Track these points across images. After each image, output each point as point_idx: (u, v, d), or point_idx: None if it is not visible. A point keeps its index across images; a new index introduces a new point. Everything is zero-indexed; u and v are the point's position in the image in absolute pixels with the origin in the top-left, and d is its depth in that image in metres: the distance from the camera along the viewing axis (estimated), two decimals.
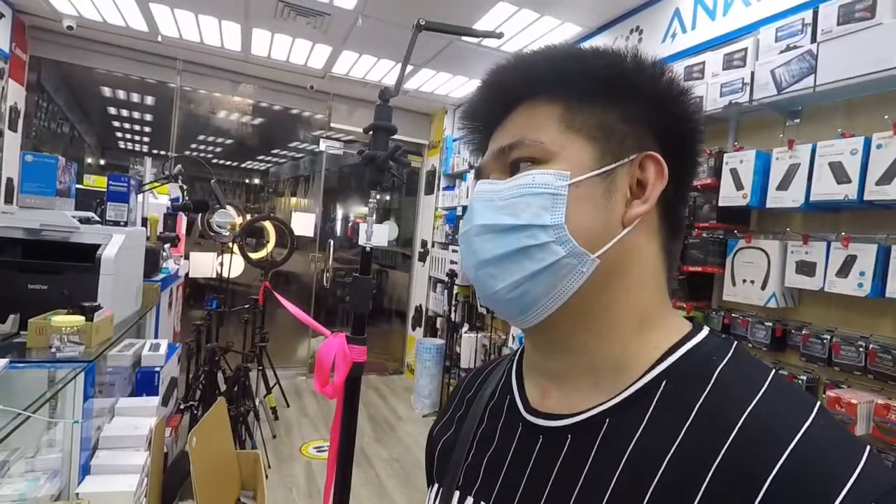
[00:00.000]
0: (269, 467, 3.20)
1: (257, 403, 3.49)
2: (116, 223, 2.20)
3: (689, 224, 2.33)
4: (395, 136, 1.21)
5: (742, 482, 0.36)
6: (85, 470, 1.54)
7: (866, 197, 1.53)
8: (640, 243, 0.47)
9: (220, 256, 3.85)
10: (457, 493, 0.53)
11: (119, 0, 3.46)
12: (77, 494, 1.43)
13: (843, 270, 1.60)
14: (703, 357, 0.45)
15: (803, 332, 1.79)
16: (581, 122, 0.47)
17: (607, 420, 0.45)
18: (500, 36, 1.56)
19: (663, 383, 0.44)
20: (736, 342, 0.46)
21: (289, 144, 5.76)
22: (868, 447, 0.37)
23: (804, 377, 1.81)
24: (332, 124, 5.14)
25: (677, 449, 0.40)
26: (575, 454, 0.45)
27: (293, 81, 4.82)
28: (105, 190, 2.32)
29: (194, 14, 3.55)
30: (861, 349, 1.58)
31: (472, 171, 0.54)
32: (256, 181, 5.66)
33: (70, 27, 3.85)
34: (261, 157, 5.90)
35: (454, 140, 5.03)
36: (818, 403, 0.40)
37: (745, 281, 1.97)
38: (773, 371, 0.43)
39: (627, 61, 0.48)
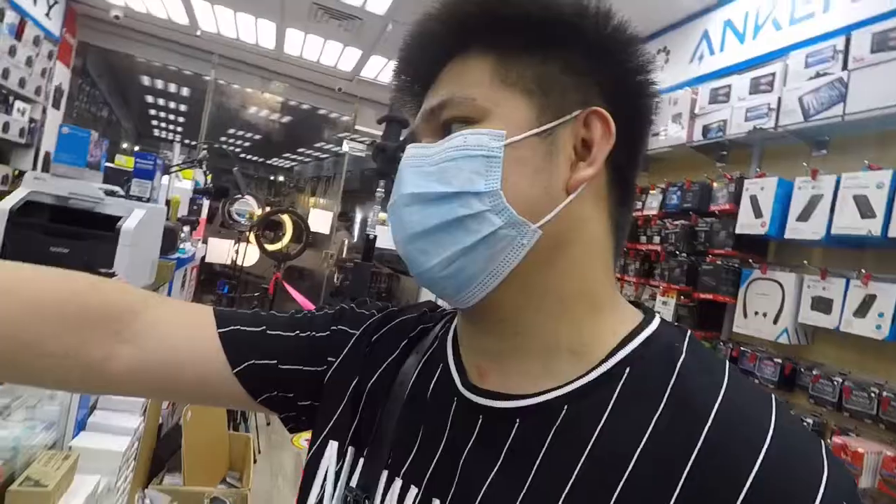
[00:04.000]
0: (259, 452, 3.25)
1: None
2: (139, 198, 2.29)
3: (703, 250, 2.33)
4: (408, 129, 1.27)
5: (719, 484, 0.35)
6: (80, 426, 1.60)
7: (891, 234, 1.47)
8: (586, 212, 0.44)
9: (237, 244, 3.95)
10: (385, 473, 0.47)
11: None
12: (70, 447, 1.48)
13: (862, 310, 1.54)
14: (665, 345, 0.42)
15: (814, 372, 1.71)
16: (516, 75, 0.43)
17: (566, 406, 0.41)
18: None
19: (626, 372, 0.41)
20: (689, 331, 0.44)
21: (314, 144, 5.90)
22: (823, 443, 0.37)
23: (811, 420, 1.71)
24: (356, 126, 5.26)
25: (647, 442, 0.37)
26: (525, 440, 0.41)
27: (322, 82, 4.95)
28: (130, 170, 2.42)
29: (233, 11, 3.69)
30: (874, 395, 1.50)
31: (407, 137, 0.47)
32: (280, 178, 5.79)
33: (117, 17, 4.04)
34: (286, 155, 6.04)
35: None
36: (773, 397, 0.39)
37: (757, 313, 1.91)
38: (727, 363, 0.42)
39: (564, 7, 0.43)
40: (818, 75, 1.85)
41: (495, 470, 0.41)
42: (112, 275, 1.81)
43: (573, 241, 0.43)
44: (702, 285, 2.18)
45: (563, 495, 0.38)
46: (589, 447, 0.39)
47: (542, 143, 0.42)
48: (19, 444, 1.32)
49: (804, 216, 1.74)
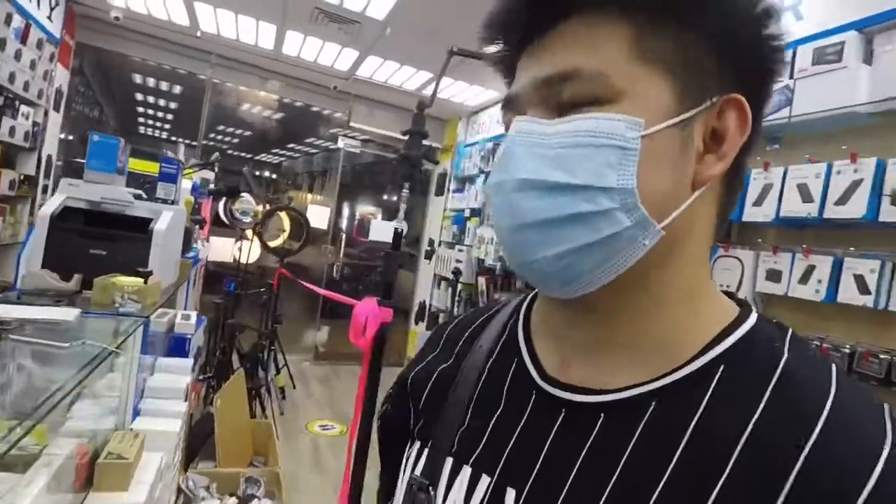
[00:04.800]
0: (278, 439, 3.43)
1: (269, 380, 3.72)
2: (165, 201, 2.44)
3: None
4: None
5: (832, 491, 0.32)
6: (136, 412, 1.78)
7: (826, 215, 1.75)
8: (701, 207, 0.40)
9: (239, 242, 4.09)
10: (450, 460, 0.46)
11: None
12: (131, 429, 1.66)
13: (804, 278, 1.82)
14: (765, 343, 0.39)
15: None
16: (659, 50, 0.37)
17: (654, 402, 0.38)
18: None
19: (720, 370, 0.38)
20: (791, 329, 0.41)
21: (306, 140, 6.02)
22: None
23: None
24: (351, 123, 5.40)
25: (747, 442, 0.35)
26: (610, 436, 0.39)
27: (318, 81, 5.07)
28: (137, 172, 2.56)
29: (234, 13, 3.81)
30: (815, 347, 1.79)
31: (502, 101, 0.43)
32: (272, 174, 5.90)
33: (117, 18, 4.12)
34: (280, 152, 6.14)
35: (475, 141, 5.26)
36: (885, 405, 0.36)
37: (721, 285, 2.16)
38: (833, 363, 0.39)
39: None
40: None
41: (578, 465, 0.39)
42: (149, 273, 1.97)
43: (685, 239, 0.40)
44: None
45: (655, 497, 0.36)
46: (682, 447, 0.36)
47: (679, 135, 0.38)
48: (96, 427, 1.49)
49: (759, 202, 2.02)
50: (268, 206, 4.76)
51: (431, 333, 0.60)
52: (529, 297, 0.51)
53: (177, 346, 2.40)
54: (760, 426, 0.35)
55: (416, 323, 5.79)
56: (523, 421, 0.44)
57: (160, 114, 7.66)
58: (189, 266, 2.83)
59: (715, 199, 0.41)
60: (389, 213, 6.16)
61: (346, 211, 5.87)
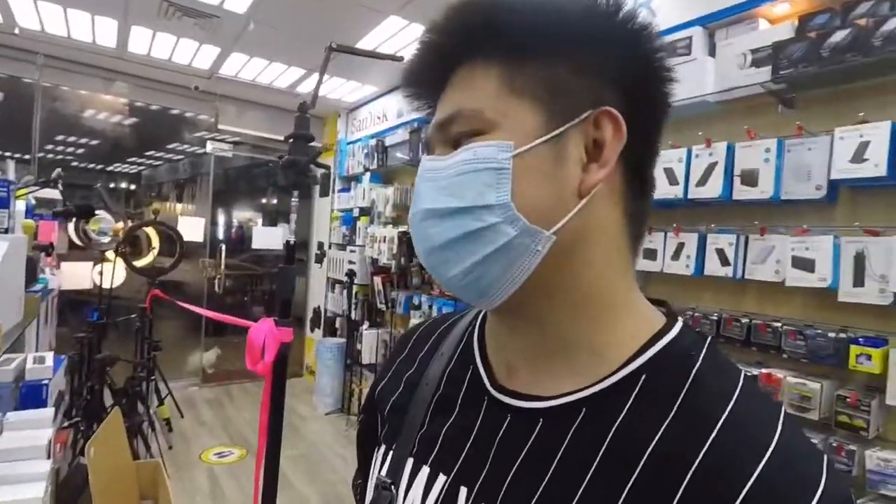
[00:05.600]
0: (169, 477, 3.11)
1: (151, 413, 3.36)
2: None
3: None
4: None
5: (721, 484, 0.36)
6: None
7: (689, 196, 1.92)
8: (601, 211, 0.44)
9: (99, 265, 3.63)
10: (410, 461, 0.50)
11: None
12: None
13: (676, 255, 1.99)
14: (682, 353, 0.43)
15: None
16: (524, 83, 0.42)
17: (584, 408, 0.43)
18: (401, 59, 1.76)
19: (643, 377, 0.42)
20: (710, 338, 0.45)
21: (168, 146, 5.48)
22: (825, 457, 0.38)
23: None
24: (219, 126, 5.00)
25: (655, 447, 0.39)
26: (547, 439, 0.43)
27: (175, 81, 4.63)
28: None
29: (62, 7, 3.32)
30: (689, 316, 1.95)
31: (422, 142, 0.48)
32: (131, 185, 5.32)
33: None
34: (134, 160, 5.55)
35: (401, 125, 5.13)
36: (783, 409, 0.41)
37: None
38: (742, 371, 0.43)
39: (570, 5, 0.43)
40: None
41: (517, 466, 0.44)
42: None
43: (589, 241, 0.43)
44: None
45: (578, 495, 0.40)
46: (602, 450, 0.41)
47: (551, 150, 0.42)
48: None
49: None
50: (130, 223, 4.27)
51: (399, 339, 0.64)
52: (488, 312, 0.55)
53: (31, 396, 2.06)
54: (669, 432, 0.39)
55: (312, 330, 5.57)
56: (476, 425, 0.48)
57: None
58: (37, 301, 2.45)
59: (618, 202, 0.45)
60: (271, 218, 5.83)
61: (222, 219, 5.45)
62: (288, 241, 1.29)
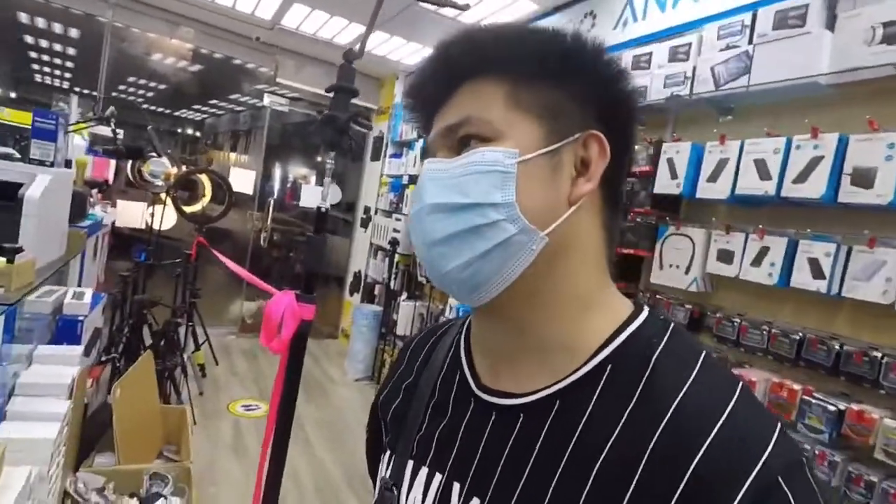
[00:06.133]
0: (195, 423, 3.15)
1: (185, 359, 3.40)
2: (42, 163, 2.05)
3: (625, 209, 2.46)
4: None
5: (670, 468, 0.39)
6: (1, 416, 1.47)
7: (783, 193, 1.67)
8: (583, 222, 0.49)
9: (151, 207, 3.66)
10: (410, 463, 0.55)
11: None
12: None
13: (757, 260, 1.75)
14: (644, 341, 0.47)
15: (717, 315, 1.94)
16: (527, 102, 0.48)
17: (557, 401, 0.47)
18: (465, 7, 1.56)
19: (608, 367, 0.46)
20: (673, 324, 0.48)
21: (229, 96, 5.50)
22: (779, 425, 0.41)
23: (714, 356, 1.97)
24: (278, 79, 4.94)
25: (619, 433, 0.42)
26: (527, 433, 0.47)
27: (237, 30, 4.57)
28: (21, 125, 2.15)
29: None
30: (765, 332, 1.74)
31: (420, 149, 0.50)
32: (191, 131, 5.37)
33: None
34: (198, 107, 5.60)
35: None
36: (741, 383, 0.43)
37: (671, 265, 2.10)
38: (704, 352, 0.46)
39: (569, 42, 0.49)
40: (728, 47, 1.99)
41: (504, 459, 0.48)
42: (19, 250, 1.62)
43: (572, 248, 0.48)
44: (624, 241, 2.32)
45: (554, 483, 0.44)
46: (573, 441, 0.44)
47: (549, 161, 0.47)
48: None
49: (713, 177, 1.92)
50: (184, 168, 4.30)
51: (399, 351, 0.69)
52: (471, 315, 0.58)
53: (65, 331, 2.06)
54: (631, 418, 0.43)
55: (351, 294, 5.55)
56: (464, 424, 0.52)
57: (57, 60, 6.76)
58: (82, 237, 2.45)
59: (597, 213, 0.50)
60: (321, 177, 5.80)
61: (275, 174, 5.45)
62: (319, 208, 1.14)
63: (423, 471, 0.53)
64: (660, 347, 0.46)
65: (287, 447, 1.11)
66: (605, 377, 0.46)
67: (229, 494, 2.64)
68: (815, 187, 1.57)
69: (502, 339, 0.52)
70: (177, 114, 5.33)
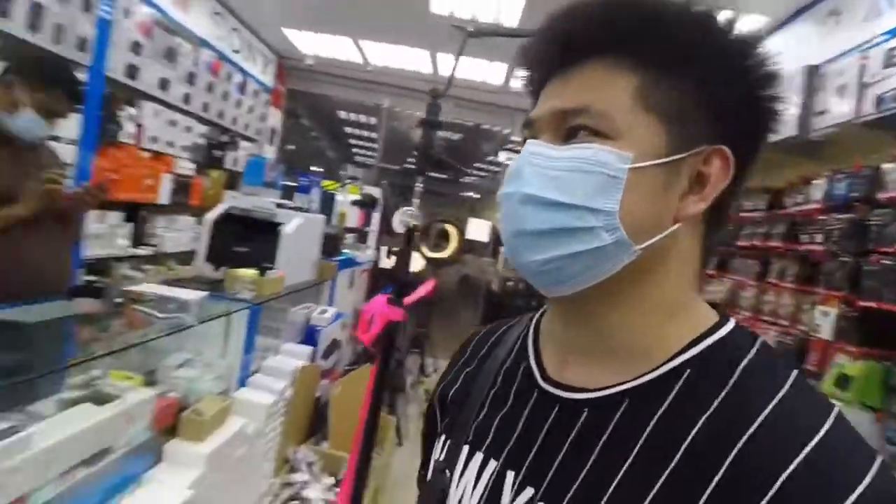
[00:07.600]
0: (406, 438, 3.52)
1: (408, 383, 3.91)
2: (299, 209, 2.82)
3: (867, 251, 1.97)
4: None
5: (755, 479, 0.36)
6: (243, 382, 2.06)
7: None
8: (683, 238, 0.45)
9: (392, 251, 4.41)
10: (465, 448, 0.53)
11: (339, 41, 4.34)
12: (232, 397, 1.92)
13: None
14: (729, 350, 0.43)
15: None
16: (657, 101, 0.43)
17: (626, 400, 0.44)
18: None
19: (686, 372, 0.43)
20: (761, 338, 0.45)
21: (478, 157, 6.26)
22: (880, 458, 0.36)
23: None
24: (512, 137, 5.46)
25: (694, 438, 0.40)
26: (590, 429, 0.45)
27: (479, 98, 5.27)
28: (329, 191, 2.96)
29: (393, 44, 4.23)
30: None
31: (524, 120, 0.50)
32: (445, 191, 6.27)
33: (310, 64, 4.93)
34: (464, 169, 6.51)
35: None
36: (836, 408, 0.39)
37: None
38: (796, 371, 0.42)
39: (718, 24, 0.43)
40: None
41: (563, 453, 0.46)
42: (269, 268, 2.26)
43: (665, 261, 0.45)
44: (866, 291, 1.85)
45: (616, 481, 0.42)
46: (640, 442, 0.42)
47: (663, 172, 0.43)
48: (193, 387, 1.77)
49: None
50: (428, 219, 5.08)
51: (462, 344, 0.67)
52: (542, 311, 0.58)
53: (309, 336, 2.71)
54: (710, 423, 0.40)
55: None
56: (525, 414, 0.50)
57: (363, 143, 8.82)
58: (333, 268, 3.17)
59: (697, 232, 0.46)
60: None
61: None
62: (408, 227, 1.39)
63: (478, 456, 0.52)
64: (747, 357, 0.42)
65: (374, 441, 1.33)
66: (682, 381, 0.43)
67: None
68: None
69: (576, 334, 0.49)
70: (435, 175, 6.32)
